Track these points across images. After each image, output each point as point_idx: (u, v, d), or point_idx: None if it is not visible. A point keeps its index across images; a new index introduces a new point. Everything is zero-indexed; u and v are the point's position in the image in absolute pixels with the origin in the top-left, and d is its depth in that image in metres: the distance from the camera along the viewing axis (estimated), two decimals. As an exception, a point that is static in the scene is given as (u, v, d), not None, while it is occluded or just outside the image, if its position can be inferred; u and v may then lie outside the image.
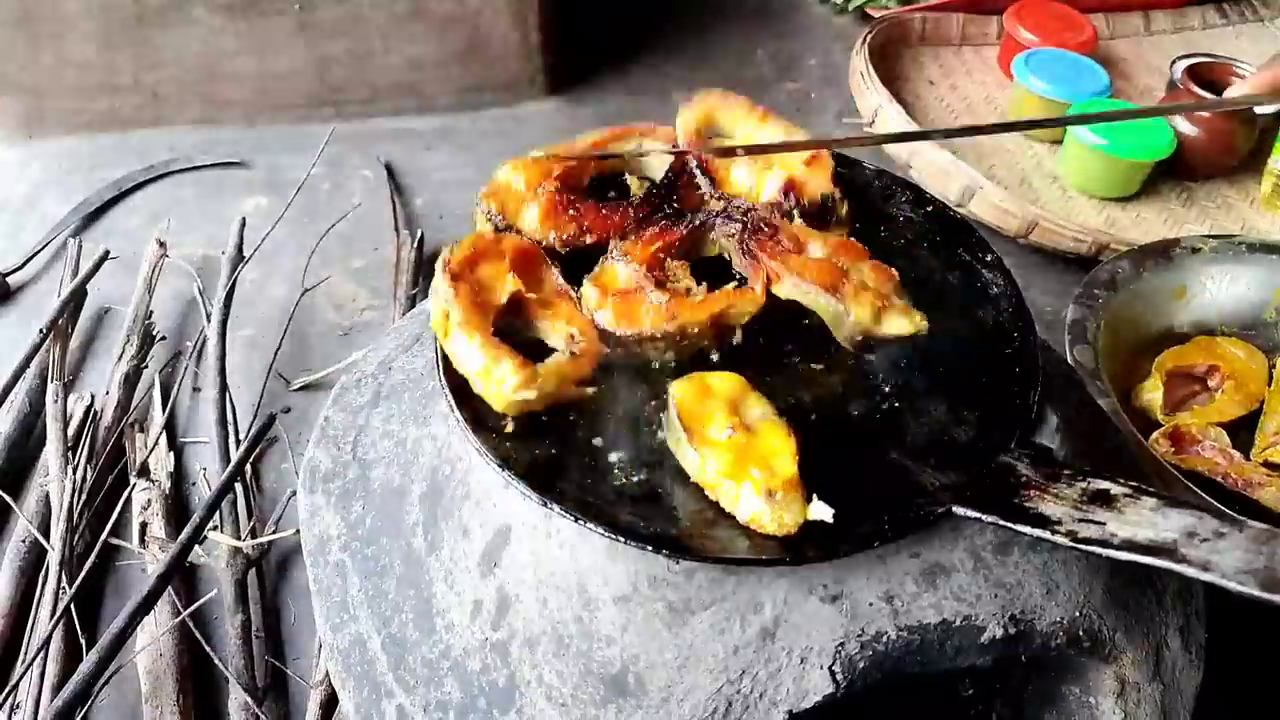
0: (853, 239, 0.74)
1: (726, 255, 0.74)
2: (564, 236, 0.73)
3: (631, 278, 0.69)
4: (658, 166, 0.80)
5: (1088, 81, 1.53)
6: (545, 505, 0.60)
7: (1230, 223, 1.46)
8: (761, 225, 0.72)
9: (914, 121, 1.44)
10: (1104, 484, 0.57)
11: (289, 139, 1.63)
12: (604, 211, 0.74)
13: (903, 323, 0.67)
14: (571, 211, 0.73)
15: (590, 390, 0.65)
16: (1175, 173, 1.49)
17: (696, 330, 0.67)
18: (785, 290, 0.69)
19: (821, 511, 0.58)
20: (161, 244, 1.33)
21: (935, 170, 1.37)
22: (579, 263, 0.73)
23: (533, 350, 0.66)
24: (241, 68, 1.60)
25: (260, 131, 1.65)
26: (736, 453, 0.60)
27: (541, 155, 0.78)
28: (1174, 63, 1.60)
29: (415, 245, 1.39)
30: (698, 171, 0.78)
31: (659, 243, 0.72)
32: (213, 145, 1.63)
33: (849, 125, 1.64)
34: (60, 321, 1.22)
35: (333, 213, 1.46)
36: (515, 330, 0.69)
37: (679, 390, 0.64)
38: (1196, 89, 1.47)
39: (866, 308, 0.66)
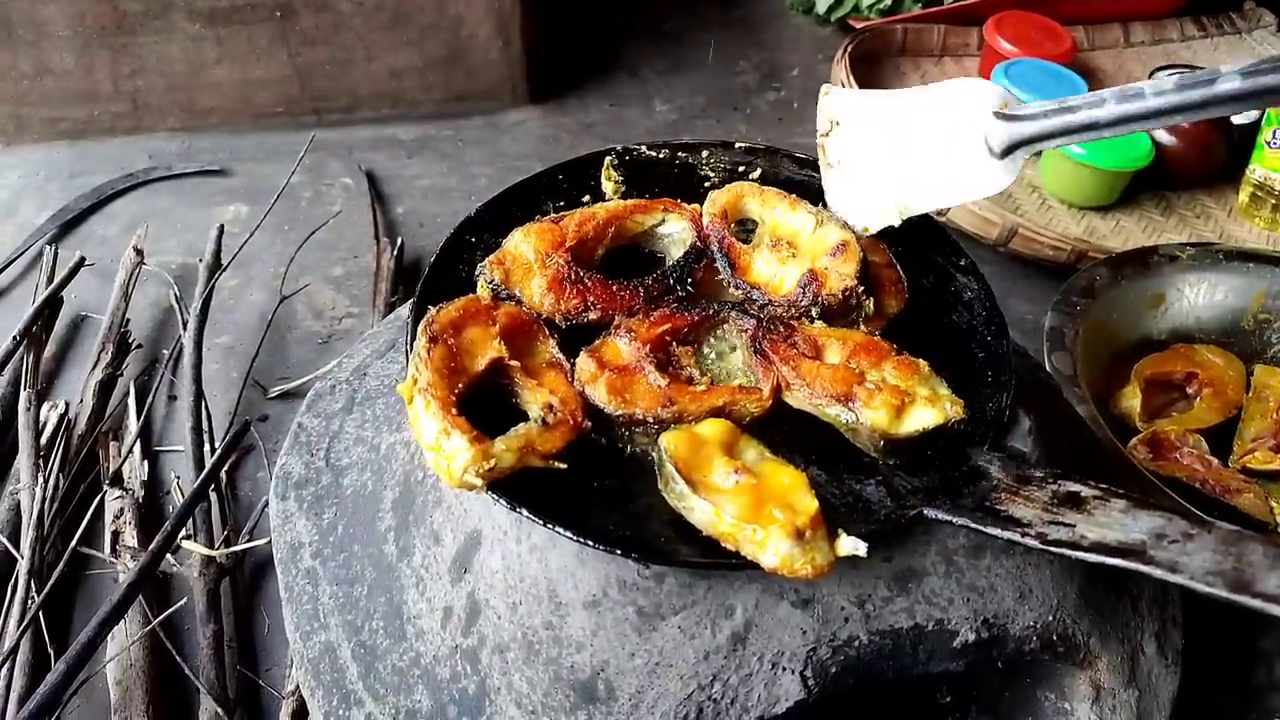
0: (877, 337, 0.68)
1: (734, 348, 0.71)
2: (566, 310, 0.70)
3: (633, 356, 0.66)
4: (678, 246, 0.77)
5: (1067, 91, 1.54)
6: (514, 509, 0.59)
7: (1208, 231, 1.46)
8: (777, 324, 0.69)
9: (894, 130, 1.44)
10: (1074, 486, 0.56)
11: (269, 147, 1.62)
12: (613, 288, 0.71)
13: (928, 414, 0.62)
14: (578, 286, 0.70)
15: (562, 466, 0.61)
16: (1154, 182, 1.50)
17: (692, 420, 0.63)
18: (796, 400, 0.65)
19: (853, 546, 0.55)
20: (139, 251, 1.33)
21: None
22: (579, 338, 0.69)
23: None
24: (222, 75, 1.60)
25: (240, 139, 1.64)
26: (751, 495, 0.57)
27: (557, 221, 0.75)
28: (1153, 73, 1.61)
29: (395, 253, 1.38)
30: (719, 255, 0.74)
31: (666, 325, 0.69)
32: (192, 153, 1.62)
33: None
34: (34, 329, 1.20)
35: (313, 220, 1.45)
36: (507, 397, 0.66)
37: (670, 443, 0.60)
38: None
39: (883, 410, 0.62)
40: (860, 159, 0.72)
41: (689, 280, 0.72)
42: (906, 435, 0.62)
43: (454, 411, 0.60)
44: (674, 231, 0.77)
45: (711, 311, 0.71)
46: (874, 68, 1.70)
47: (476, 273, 0.72)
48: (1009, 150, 0.67)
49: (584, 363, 0.66)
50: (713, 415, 0.63)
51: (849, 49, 1.62)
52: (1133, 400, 1.13)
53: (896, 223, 0.72)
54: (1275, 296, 1.20)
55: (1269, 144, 1.42)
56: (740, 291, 0.73)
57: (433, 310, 0.67)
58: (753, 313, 0.71)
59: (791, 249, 0.74)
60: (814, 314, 0.69)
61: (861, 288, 0.70)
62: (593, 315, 0.70)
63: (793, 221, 0.75)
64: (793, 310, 0.70)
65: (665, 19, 1.98)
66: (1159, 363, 1.17)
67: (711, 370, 0.69)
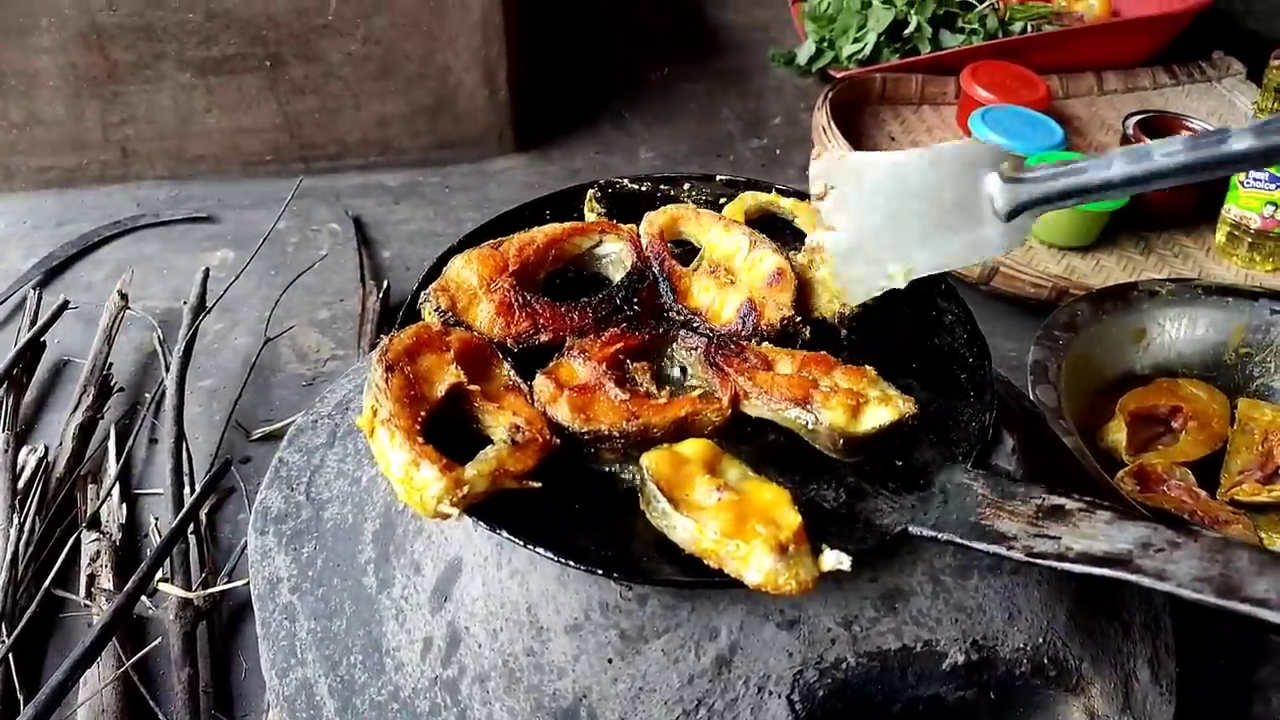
0: (822, 351, 0.70)
1: (684, 366, 0.71)
2: (517, 333, 0.70)
3: (590, 374, 0.66)
4: (618, 267, 0.78)
5: (1043, 135, 1.57)
6: (494, 531, 0.58)
7: (1187, 270, 1.48)
8: (727, 341, 0.70)
9: (875, 173, 1.46)
10: (1059, 499, 0.56)
11: (257, 194, 1.63)
12: (561, 310, 0.71)
13: (883, 413, 0.63)
14: (526, 309, 0.70)
15: (536, 485, 0.59)
16: (1132, 222, 1.52)
17: (657, 433, 0.63)
18: (755, 409, 0.66)
19: (837, 560, 0.55)
20: (123, 295, 1.32)
21: (897, 219, 1.38)
22: (530, 361, 0.69)
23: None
24: (211, 124, 1.61)
25: (229, 187, 1.65)
26: (733, 512, 0.56)
27: (496, 247, 0.75)
28: (1126, 118, 1.65)
29: (381, 296, 1.38)
30: (660, 278, 0.75)
31: (619, 344, 0.69)
32: (181, 200, 1.63)
33: (813, 178, 1.66)
34: (15, 371, 1.19)
35: (299, 265, 1.45)
36: (466, 424, 0.64)
37: (651, 461, 0.60)
38: (1148, 141, 1.51)
39: (839, 410, 0.63)
40: (860, 221, 0.70)
41: (635, 300, 0.73)
42: (865, 433, 0.62)
43: (420, 441, 0.59)
44: (611, 252, 0.78)
45: (661, 330, 0.71)
46: (854, 115, 1.73)
47: (420, 300, 0.72)
48: (1015, 213, 0.66)
49: (542, 384, 0.65)
50: (676, 426, 0.63)
51: (829, 97, 1.65)
52: (1118, 434, 1.12)
53: (901, 285, 0.70)
54: (1255, 330, 1.21)
55: (1243, 184, 1.45)
56: (681, 317, 0.73)
57: (385, 339, 0.66)
58: (702, 331, 0.72)
59: (729, 275, 0.75)
60: (754, 342, 0.70)
61: (799, 318, 0.72)
62: (544, 337, 0.70)
63: (727, 244, 0.77)
64: (733, 340, 0.70)
65: (650, 70, 2.02)
66: (1143, 397, 1.17)
67: (668, 385, 0.69)
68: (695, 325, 0.73)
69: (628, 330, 0.70)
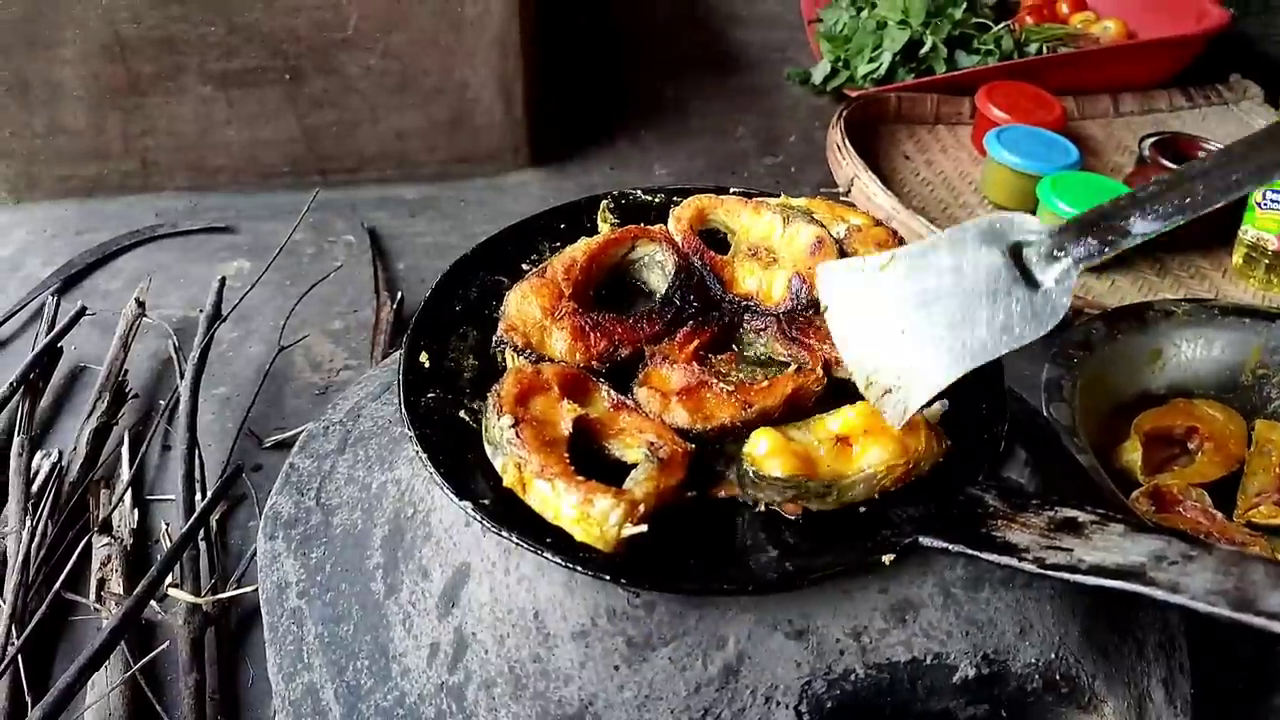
0: None
1: (758, 349, 0.72)
2: (597, 354, 0.70)
3: (686, 376, 0.66)
4: (653, 269, 0.78)
5: (1058, 155, 1.57)
6: (501, 535, 0.58)
7: (1203, 291, 1.47)
8: (796, 316, 0.71)
9: (889, 190, 1.47)
10: (1071, 512, 0.55)
11: (275, 205, 1.65)
12: (630, 321, 0.72)
13: None
14: (598, 329, 0.71)
15: (692, 494, 0.60)
16: (1148, 243, 1.51)
17: (774, 415, 0.64)
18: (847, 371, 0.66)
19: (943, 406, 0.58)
20: (140, 303, 1.33)
21: (909, 234, 1.38)
22: (610, 375, 0.69)
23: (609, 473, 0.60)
24: (231, 136, 1.63)
25: (247, 198, 1.67)
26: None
27: (541, 274, 0.75)
28: (1143, 139, 1.64)
29: (395, 307, 1.39)
30: (705, 273, 0.76)
31: (696, 341, 0.70)
32: (199, 211, 1.65)
33: (826, 194, 1.66)
34: (32, 376, 1.20)
35: (315, 276, 1.46)
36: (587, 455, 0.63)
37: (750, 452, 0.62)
38: (1165, 162, 1.51)
39: None
40: (867, 344, 0.63)
41: (691, 297, 0.74)
42: None
43: (581, 478, 0.58)
44: (646, 254, 0.79)
45: (728, 319, 0.73)
46: (869, 134, 1.74)
47: (495, 346, 0.72)
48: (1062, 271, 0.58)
49: (647, 396, 0.66)
50: (788, 404, 0.64)
51: (844, 115, 1.66)
52: (1134, 454, 1.11)
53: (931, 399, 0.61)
54: (1272, 352, 1.20)
55: (1260, 205, 1.44)
56: (733, 305, 0.75)
57: (494, 395, 0.64)
58: (770, 311, 0.73)
59: (770, 254, 0.76)
60: (810, 313, 0.71)
61: None
62: (624, 352, 0.70)
63: (761, 225, 0.78)
64: (795, 314, 0.72)
65: (666, 88, 2.03)
66: (1159, 417, 1.16)
67: (746, 368, 0.70)
68: (750, 308, 0.75)
69: (698, 326, 0.72)
